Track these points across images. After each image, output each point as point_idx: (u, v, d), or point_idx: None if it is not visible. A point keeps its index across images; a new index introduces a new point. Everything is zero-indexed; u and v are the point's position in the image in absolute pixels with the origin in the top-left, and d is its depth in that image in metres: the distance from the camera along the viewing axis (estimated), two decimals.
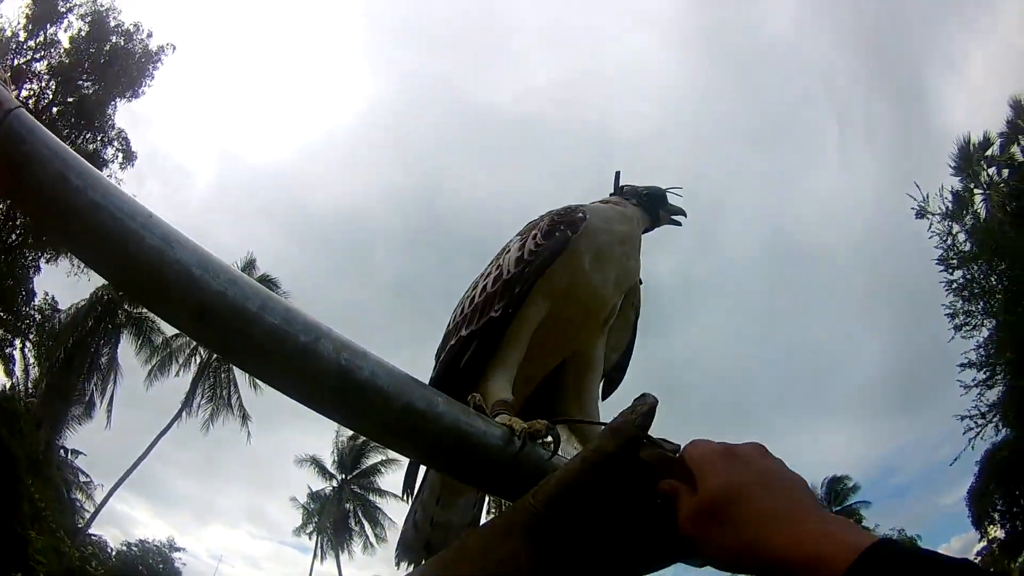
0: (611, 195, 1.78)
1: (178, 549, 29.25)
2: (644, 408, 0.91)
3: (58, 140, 1.00)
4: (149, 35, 24.22)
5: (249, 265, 28.35)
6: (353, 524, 32.96)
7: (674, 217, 1.80)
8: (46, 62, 22.97)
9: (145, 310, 26.23)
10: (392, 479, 33.76)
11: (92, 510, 26.79)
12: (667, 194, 1.80)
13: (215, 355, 27.44)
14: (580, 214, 1.54)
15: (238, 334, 1.07)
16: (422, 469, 1.68)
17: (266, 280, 27.02)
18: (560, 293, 1.50)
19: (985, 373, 14.55)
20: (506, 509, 1.01)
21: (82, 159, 1.02)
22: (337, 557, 32.88)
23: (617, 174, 1.83)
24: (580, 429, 1.54)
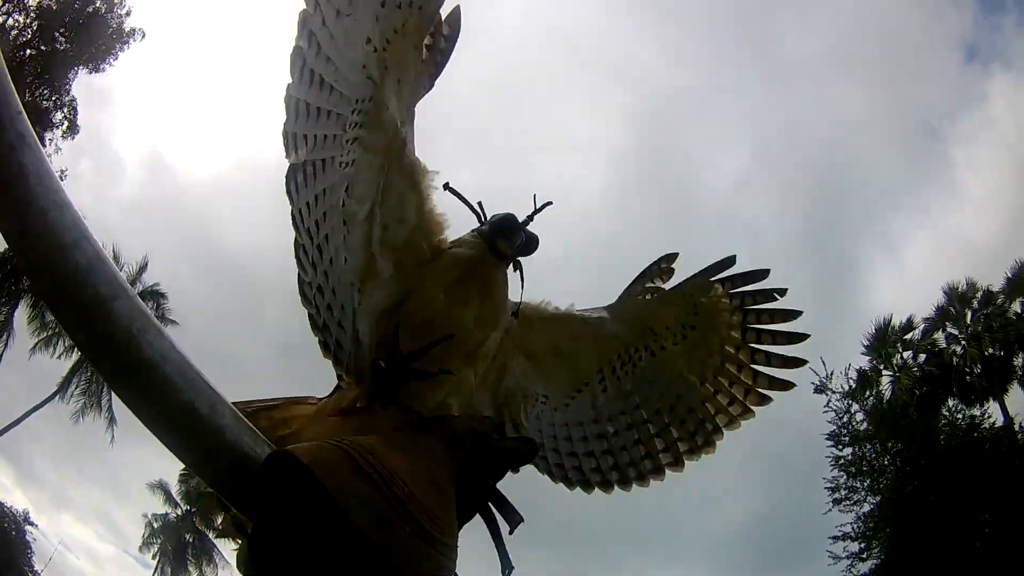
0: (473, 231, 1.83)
1: (31, 523, 27.01)
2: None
3: None
4: (128, 13, 23.87)
5: (141, 269, 27.05)
6: (190, 556, 31.45)
7: (513, 244, 1.77)
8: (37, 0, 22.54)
9: None
10: None
11: None
12: (512, 224, 1.77)
13: None
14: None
15: (46, 261, 1.02)
16: None
17: (154, 291, 26.78)
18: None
19: (860, 545, 15.01)
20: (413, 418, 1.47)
21: None
22: None
23: (479, 204, 1.84)
24: None
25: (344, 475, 1.07)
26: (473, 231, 1.83)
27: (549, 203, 1.84)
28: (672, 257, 2.02)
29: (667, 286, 2.00)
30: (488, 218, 1.82)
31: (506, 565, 1.35)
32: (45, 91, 23.00)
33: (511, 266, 1.81)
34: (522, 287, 1.83)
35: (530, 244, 1.81)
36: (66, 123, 23.41)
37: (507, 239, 1.76)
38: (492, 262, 1.77)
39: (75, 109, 23.52)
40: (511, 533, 1.36)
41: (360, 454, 1.10)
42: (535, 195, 1.84)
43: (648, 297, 2.00)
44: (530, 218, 1.82)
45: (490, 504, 1.36)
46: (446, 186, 1.81)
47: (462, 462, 1.30)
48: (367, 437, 1.21)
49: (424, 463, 1.20)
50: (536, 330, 1.93)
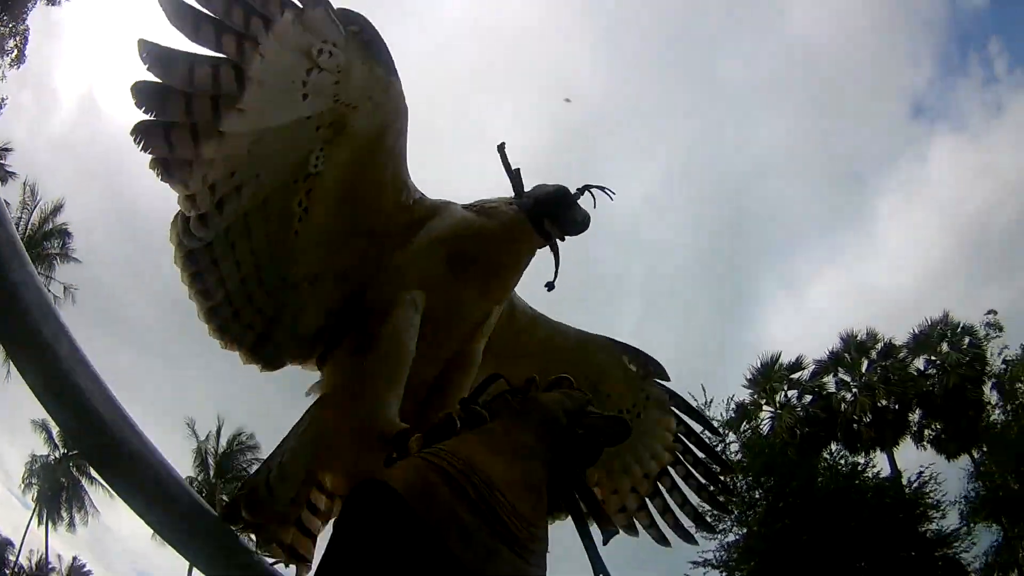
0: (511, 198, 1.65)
1: None
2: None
3: None
4: None
5: (56, 210, 28.22)
6: (63, 500, 31.13)
7: (566, 230, 1.59)
8: None
9: None
10: None
11: None
12: (567, 201, 1.58)
13: None
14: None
15: None
16: None
17: (61, 230, 27.96)
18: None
19: (723, 574, 15.36)
20: (506, 419, 1.25)
21: None
22: (47, 525, 31.01)
23: (517, 172, 1.65)
24: None
25: (442, 500, 1.02)
26: (510, 200, 1.61)
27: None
28: (664, 376, 1.97)
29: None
30: (525, 187, 1.63)
31: (600, 571, 1.20)
32: (4, 17, 22.42)
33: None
34: (557, 266, 1.63)
35: (584, 224, 1.60)
36: (16, 51, 22.82)
37: (560, 220, 1.57)
38: (531, 239, 1.57)
39: (26, 39, 23.06)
40: (605, 544, 1.25)
41: (455, 467, 1.06)
42: (517, 170, 1.64)
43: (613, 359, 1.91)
44: (580, 192, 1.60)
45: (580, 502, 1.28)
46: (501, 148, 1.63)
47: (553, 451, 1.21)
48: (464, 440, 1.17)
49: (520, 465, 1.14)
50: (528, 327, 1.80)
